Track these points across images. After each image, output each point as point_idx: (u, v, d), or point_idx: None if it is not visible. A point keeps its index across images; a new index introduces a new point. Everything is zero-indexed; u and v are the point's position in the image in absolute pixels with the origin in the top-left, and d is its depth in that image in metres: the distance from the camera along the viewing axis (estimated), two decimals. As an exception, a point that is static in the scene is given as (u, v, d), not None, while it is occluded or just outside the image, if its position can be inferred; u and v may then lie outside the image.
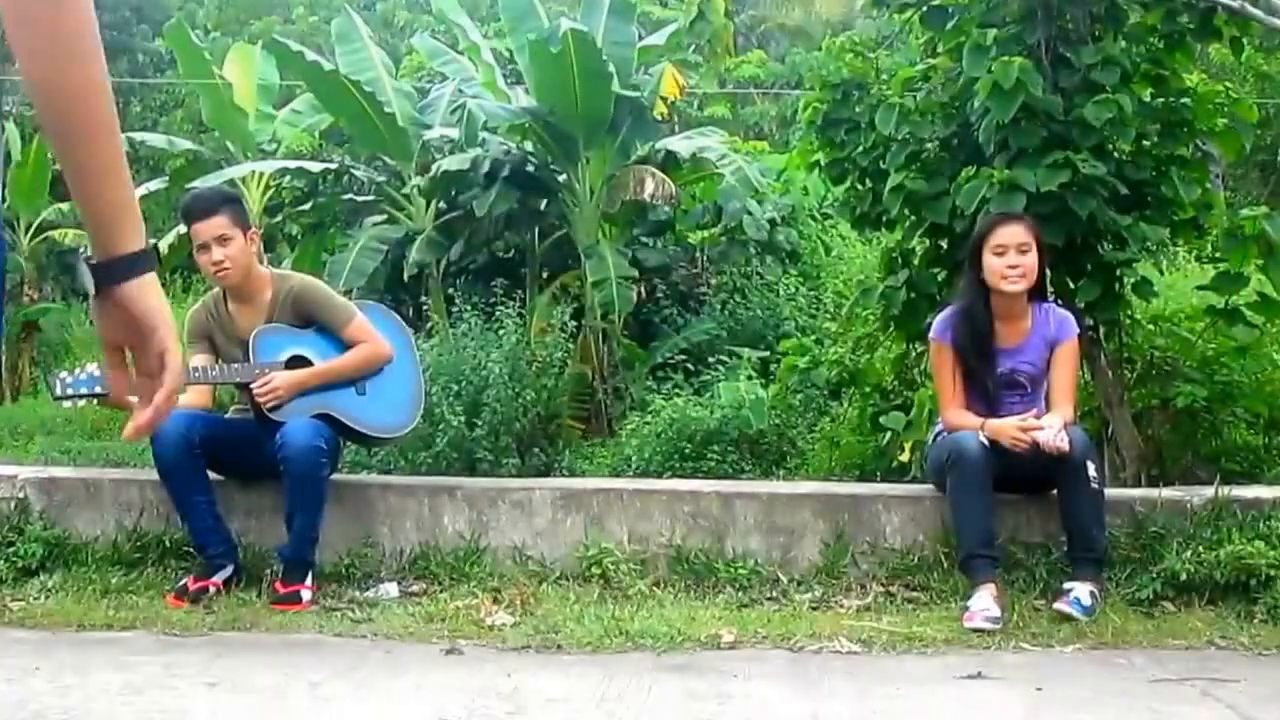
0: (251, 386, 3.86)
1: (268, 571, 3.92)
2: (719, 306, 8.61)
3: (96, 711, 2.79)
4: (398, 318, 4.39)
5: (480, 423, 6.62)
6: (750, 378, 6.74)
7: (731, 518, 4.03)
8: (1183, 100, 4.48)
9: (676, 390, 7.04)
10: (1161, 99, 4.55)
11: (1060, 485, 3.71)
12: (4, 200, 2.83)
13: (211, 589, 3.78)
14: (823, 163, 4.99)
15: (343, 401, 3.97)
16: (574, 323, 7.78)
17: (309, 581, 3.80)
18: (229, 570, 3.86)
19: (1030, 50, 4.41)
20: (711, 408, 6.43)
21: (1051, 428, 3.60)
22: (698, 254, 9.43)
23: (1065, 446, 3.56)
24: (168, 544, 4.06)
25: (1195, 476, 4.75)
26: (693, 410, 6.41)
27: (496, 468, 6.50)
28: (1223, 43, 4.78)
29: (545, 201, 8.77)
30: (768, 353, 7.40)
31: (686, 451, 6.26)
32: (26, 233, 12.89)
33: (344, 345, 4.00)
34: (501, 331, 7.16)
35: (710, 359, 7.44)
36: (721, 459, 6.17)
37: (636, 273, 8.16)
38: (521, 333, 7.35)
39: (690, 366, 7.61)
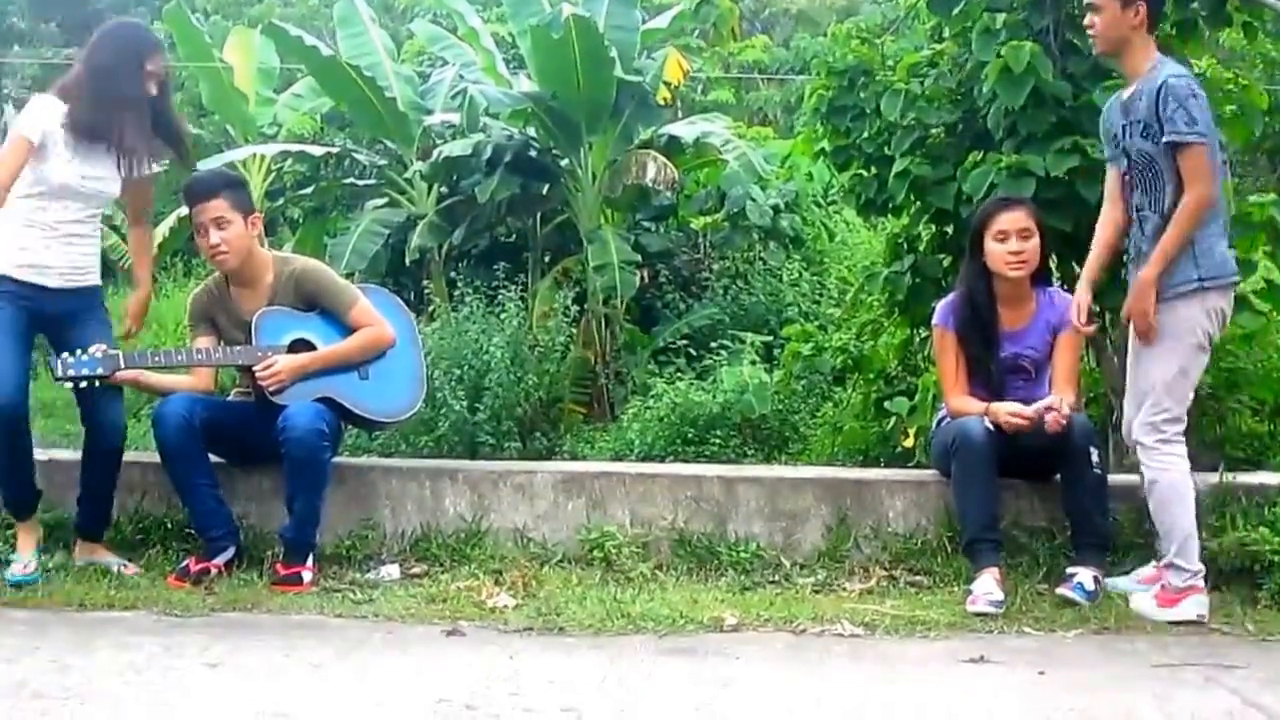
0: (254, 369, 3.85)
1: (269, 553, 3.91)
2: (721, 292, 8.55)
3: (97, 691, 2.79)
4: (400, 301, 4.37)
5: (482, 407, 6.60)
6: (754, 363, 6.70)
7: (734, 502, 4.02)
8: (1192, 87, 4.45)
9: (679, 375, 7.00)
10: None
11: (1063, 471, 3.72)
12: None
13: (213, 570, 3.78)
14: (828, 149, 4.98)
15: (345, 385, 3.96)
16: (576, 307, 7.75)
17: (310, 563, 3.80)
18: (230, 552, 3.86)
19: (1038, 35, 4.39)
20: (714, 392, 6.39)
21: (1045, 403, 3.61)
22: (700, 239, 9.38)
23: (1062, 411, 3.57)
24: (169, 526, 4.06)
25: (1200, 463, 4.71)
26: (695, 395, 6.37)
27: (498, 451, 6.49)
28: (1234, 29, 4.74)
29: (547, 186, 8.71)
30: (771, 338, 7.36)
31: (689, 436, 6.23)
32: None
33: (346, 329, 3.99)
34: (503, 316, 7.14)
35: (713, 344, 7.39)
36: (724, 444, 6.14)
37: (639, 258, 8.11)
38: (523, 317, 7.32)
39: (692, 351, 7.57)
